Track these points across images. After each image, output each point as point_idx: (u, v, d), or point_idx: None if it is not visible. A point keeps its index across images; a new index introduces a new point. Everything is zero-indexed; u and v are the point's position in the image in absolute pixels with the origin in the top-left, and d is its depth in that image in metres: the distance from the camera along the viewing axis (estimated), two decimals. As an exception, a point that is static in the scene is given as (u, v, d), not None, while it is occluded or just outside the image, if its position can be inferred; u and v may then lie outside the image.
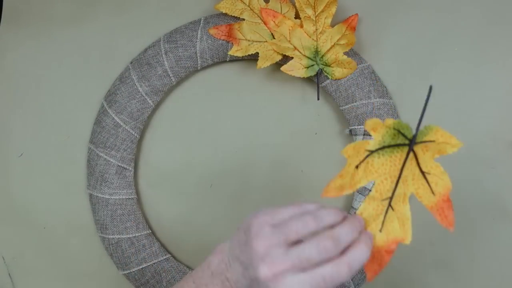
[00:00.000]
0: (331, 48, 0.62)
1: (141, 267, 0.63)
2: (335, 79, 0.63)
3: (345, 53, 0.62)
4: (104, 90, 0.66)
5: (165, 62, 0.63)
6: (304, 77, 0.63)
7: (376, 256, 0.43)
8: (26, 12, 0.68)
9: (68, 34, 0.68)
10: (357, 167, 0.43)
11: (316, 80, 0.64)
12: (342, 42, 0.61)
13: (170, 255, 0.65)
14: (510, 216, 0.62)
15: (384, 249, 0.43)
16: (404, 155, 0.43)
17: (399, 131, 0.43)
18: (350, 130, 0.63)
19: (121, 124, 0.63)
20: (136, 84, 0.63)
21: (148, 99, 0.64)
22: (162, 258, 0.64)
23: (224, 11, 0.62)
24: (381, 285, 0.64)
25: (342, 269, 0.39)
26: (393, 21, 0.65)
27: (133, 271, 0.63)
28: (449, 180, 0.42)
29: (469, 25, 0.64)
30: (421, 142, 0.42)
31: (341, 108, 0.64)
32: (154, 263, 0.63)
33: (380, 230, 0.44)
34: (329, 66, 0.62)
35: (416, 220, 0.63)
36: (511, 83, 0.64)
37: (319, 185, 0.65)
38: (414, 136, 0.42)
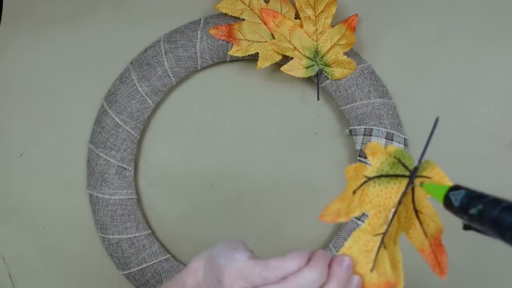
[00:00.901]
0: (331, 48, 0.62)
1: (141, 267, 0.63)
2: (335, 79, 0.63)
3: (345, 53, 0.62)
4: (104, 90, 0.66)
5: (165, 62, 0.63)
6: (304, 77, 0.63)
7: None
8: (26, 12, 0.68)
9: (68, 34, 0.68)
10: (354, 192, 0.39)
11: (316, 80, 0.64)
12: (342, 42, 0.61)
13: (170, 255, 0.65)
14: (510, 216, 0.62)
15: None
16: (401, 188, 0.40)
17: (399, 160, 0.39)
18: (350, 130, 0.63)
19: (121, 124, 0.63)
20: (136, 84, 0.63)
21: (148, 99, 0.64)
22: (162, 258, 0.64)
23: (224, 11, 0.62)
24: (381, 285, 0.64)
25: None
26: (393, 21, 0.65)
27: (133, 271, 0.63)
28: (441, 222, 0.39)
29: (469, 25, 0.64)
30: (420, 176, 0.39)
31: (341, 108, 0.64)
32: (154, 263, 0.63)
33: (371, 270, 0.40)
34: (329, 66, 0.62)
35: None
36: (511, 83, 0.63)
37: (319, 185, 0.65)
38: (416, 168, 0.39)
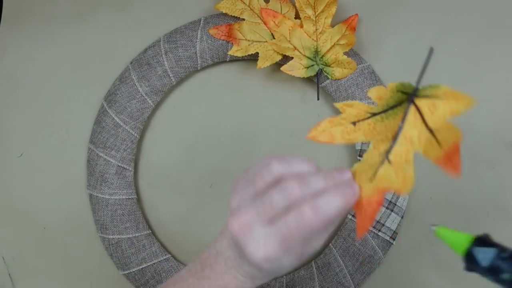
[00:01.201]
0: (331, 48, 0.62)
1: (141, 267, 0.63)
2: (335, 79, 0.63)
3: (345, 53, 0.62)
4: (104, 90, 0.66)
5: (165, 62, 0.63)
6: (304, 77, 0.63)
7: (366, 208, 0.38)
8: (26, 12, 0.68)
9: (68, 34, 0.68)
10: (354, 124, 0.40)
11: (316, 80, 0.64)
12: (342, 42, 0.61)
13: (170, 255, 0.65)
14: (510, 216, 0.62)
15: (374, 199, 0.38)
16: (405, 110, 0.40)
17: (402, 92, 0.40)
18: (350, 130, 0.63)
19: (121, 124, 0.63)
20: (136, 84, 0.63)
21: (148, 99, 0.64)
22: (162, 258, 0.63)
23: (224, 11, 0.62)
24: (381, 285, 0.64)
25: (306, 213, 0.36)
26: (393, 21, 0.65)
27: (133, 271, 0.63)
28: (459, 131, 0.37)
29: (469, 25, 0.64)
30: (426, 96, 0.39)
31: (341, 108, 0.64)
32: (154, 263, 0.63)
33: (371, 180, 0.39)
34: (329, 66, 0.62)
35: (416, 220, 0.64)
36: (511, 83, 0.64)
37: (319, 185, 0.65)
38: (415, 89, 0.39)
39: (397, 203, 0.61)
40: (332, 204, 0.37)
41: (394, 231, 0.61)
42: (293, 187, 0.37)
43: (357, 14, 0.61)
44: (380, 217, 0.60)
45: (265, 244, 0.37)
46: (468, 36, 0.64)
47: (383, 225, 0.61)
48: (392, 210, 0.61)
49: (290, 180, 0.37)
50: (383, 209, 0.60)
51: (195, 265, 0.45)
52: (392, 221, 0.61)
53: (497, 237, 0.63)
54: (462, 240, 0.36)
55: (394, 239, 0.62)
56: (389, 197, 0.60)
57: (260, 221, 0.37)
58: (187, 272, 0.45)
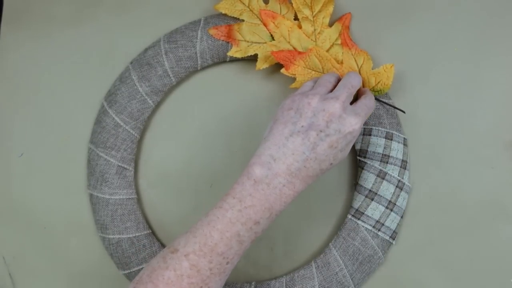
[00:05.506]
0: (330, 48, 0.62)
1: (141, 267, 0.63)
2: (335, 79, 0.63)
3: (345, 53, 0.62)
4: (104, 90, 0.66)
5: (165, 62, 0.63)
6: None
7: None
8: (26, 12, 0.69)
9: (68, 34, 0.68)
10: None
11: (316, 80, 0.64)
12: (340, 42, 0.61)
13: (170, 255, 0.65)
14: (510, 216, 0.62)
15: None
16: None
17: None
18: (350, 130, 0.63)
19: (121, 124, 0.63)
20: (136, 84, 0.63)
21: (148, 99, 0.64)
22: (162, 258, 0.64)
23: (223, 12, 0.62)
24: (381, 285, 0.64)
25: (370, 94, 0.56)
26: (393, 21, 0.65)
27: (133, 271, 0.63)
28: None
29: (469, 25, 0.64)
30: None
31: (341, 108, 0.64)
32: (154, 263, 0.63)
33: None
34: (328, 66, 0.62)
35: (416, 220, 0.64)
36: (511, 83, 0.63)
37: (319, 184, 0.65)
38: None
39: (397, 203, 0.61)
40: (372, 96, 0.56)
41: (394, 231, 0.61)
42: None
43: (349, 13, 0.61)
44: (380, 217, 0.60)
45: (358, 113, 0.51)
46: (468, 36, 0.64)
47: (383, 224, 0.61)
48: (392, 210, 0.61)
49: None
50: (383, 208, 0.60)
51: (227, 202, 0.47)
52: (392, 221, 0.61)
53: (497, 237, 0.63)
54: None
55: (394, 239, 0.62)
56: (389, 196, 0.60)
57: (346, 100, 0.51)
58: (220, 210, 0.47)
